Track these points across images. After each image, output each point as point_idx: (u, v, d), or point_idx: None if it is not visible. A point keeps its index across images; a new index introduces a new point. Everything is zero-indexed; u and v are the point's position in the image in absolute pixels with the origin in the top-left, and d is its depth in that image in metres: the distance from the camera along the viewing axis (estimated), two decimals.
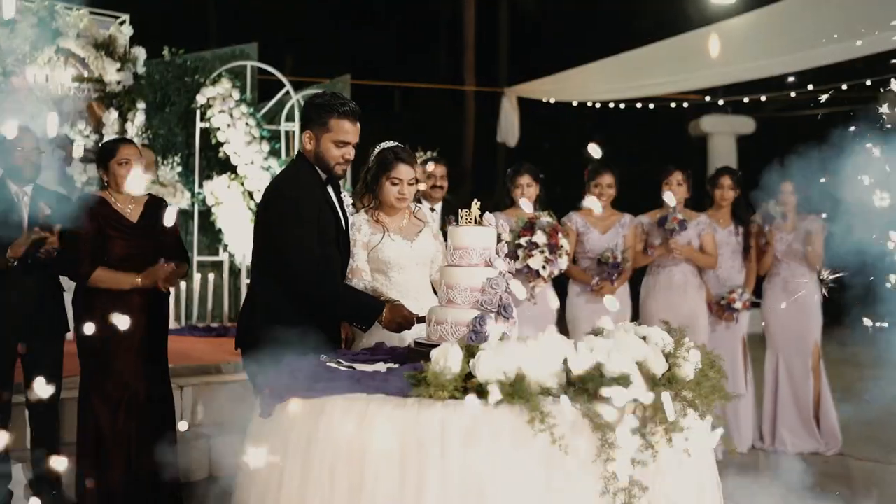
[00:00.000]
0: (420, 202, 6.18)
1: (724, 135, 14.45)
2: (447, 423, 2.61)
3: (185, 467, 5.22)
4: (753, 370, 6.67)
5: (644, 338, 3.06)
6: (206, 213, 9.35)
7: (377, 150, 4.11)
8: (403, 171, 4.01)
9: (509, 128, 12.74)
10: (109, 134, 8.40)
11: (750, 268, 6.53)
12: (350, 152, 3.86)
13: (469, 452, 2.58)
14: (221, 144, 9.30)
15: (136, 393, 4.55)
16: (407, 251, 4.05)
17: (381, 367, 3.24)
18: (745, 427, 6.49)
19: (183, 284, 9.01)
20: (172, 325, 8.65)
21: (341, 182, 4.12)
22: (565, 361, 2.72)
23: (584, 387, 2.65)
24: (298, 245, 3.65)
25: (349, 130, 3.81)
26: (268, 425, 2.96)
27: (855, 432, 6.58)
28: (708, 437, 2.99)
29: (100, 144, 5.12)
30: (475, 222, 3.39)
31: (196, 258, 9.26)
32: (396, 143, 4.12)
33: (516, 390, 2.63)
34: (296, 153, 4.05)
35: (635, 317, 6.22)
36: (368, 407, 2.72)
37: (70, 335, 4.75)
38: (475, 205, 3.41)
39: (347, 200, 4.38)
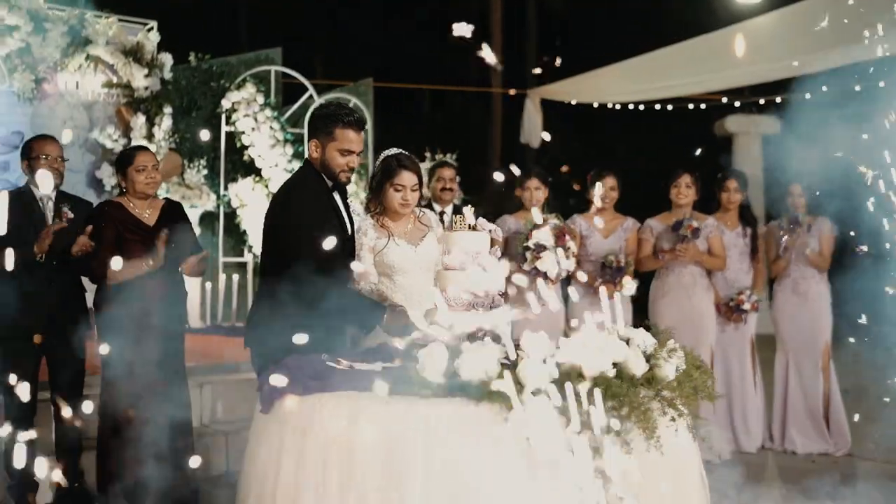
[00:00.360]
0: (432, 206, 6.34)
1: (749, 135, 14.44)
2: (430, 419, 2.77)
3: (206, 462, 5.42)
4: (763, 371, 6.74)
5: (628, 339, 3.17)
6: (231, 215, 9.58)
7: (381, 157, 4.25)
8: (406, 177, 4.13)
9: (532, 129, 12.85)
10: (137, 138, 8.64)
11: (758, 269, 6.60)
12: (354, 160, 4.02)
13: (451, 447, 2.73)
14: (246, 148, 9.53)
15: (153, 390, 4.73)
16: (411, 255, 4.18)
17: (378, 366, 3.39)
18: (755, 427, 6.55)
19: (208, 285, 9.25)
20: (198, 324, 8.94)
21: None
22: (546, 361, 2.85)
23: (563, 386, 2.78)
24: (302, 249, 3.80)
25: (353, 140, 3.97)
26: (267, 420, 3.14)
27: (864, 433, 6.61)
28: (689, 435, 3.10)
29: (119, 152, 5.33)
30: (469, 227, 3.53)
31: (221, 259, 9.50)
32: (400, 151, 4.25)
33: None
34: (303, 161, 4.21)
35: (637, 318, 6.31)
36: (358, 404, 2.88)
37: (92, 334, 4.96)
38: (469, 210, 3.54)
39: (357, 206, 4.54)
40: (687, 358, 3.29)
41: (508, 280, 3.57)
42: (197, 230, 8.96)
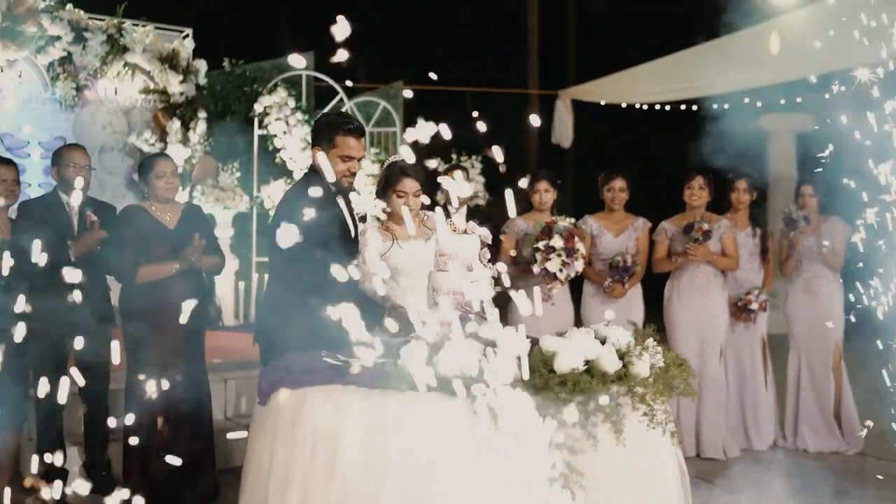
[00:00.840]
0: (434, 209, 6.51)
1: (783, 133, 14.33)
2: (408, 411, 2.96)
3: (227, 454, 5.67)
4: (778, 370, 6.79)
5: (605, 338, 3.32)
6: (264, 217, 9.85)
7: (385, 164, 4.45)
8: (408, 184, 4.32)
9: (563, 130, 12.98)
10: (173, 142, 8.94)
11: (768, 269, 6.66)
12: (355, 166, 4.21)
13: (425, 438, 2.92)
14: (278, 150, 9.80)
15: (175, 384, 4.98)
16: (414, 258, 4.37)
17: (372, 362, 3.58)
18: (766, 425, 6.62)
19: (241, 284, 9.54)
20: (232, 322, 9.23)
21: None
22: (519, 358, 3.01)
23: (533, 381, 2.95)
24: (304, 251, 4.01)
25: (353, 146, 4.17)
26: (264, 412, 3.37)
27: (876, 432, 6.61)
28: (663, 430, 3.24)
29: (140, 160, 5.61)
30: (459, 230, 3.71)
31: (255, 259, 9.78)
32: (403, 158, 4.43)
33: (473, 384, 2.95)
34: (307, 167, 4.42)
35: (649, 317, 6.40)
36: (342, 396, 3.09)
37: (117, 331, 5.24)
38: (460, 214, 3.72)
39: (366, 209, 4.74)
40: (665, 355, 3.41)
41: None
42: (230, 231, 9.29)
